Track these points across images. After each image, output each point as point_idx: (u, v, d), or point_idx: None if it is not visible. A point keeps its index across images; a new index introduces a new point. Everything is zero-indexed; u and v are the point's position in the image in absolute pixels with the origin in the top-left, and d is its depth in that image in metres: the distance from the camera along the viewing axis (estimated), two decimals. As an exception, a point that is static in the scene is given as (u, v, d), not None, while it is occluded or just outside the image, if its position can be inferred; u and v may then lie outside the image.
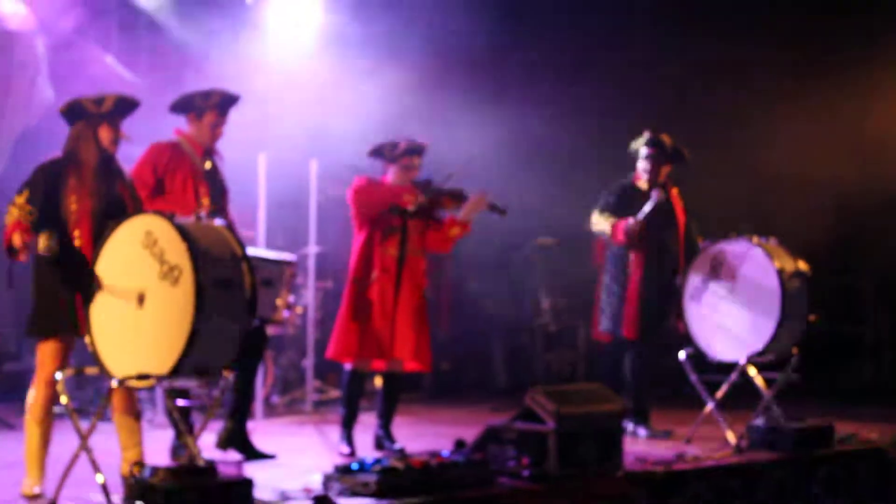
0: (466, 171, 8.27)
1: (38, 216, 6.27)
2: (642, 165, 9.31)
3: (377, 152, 8.29)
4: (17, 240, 6.18)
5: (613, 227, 9.10)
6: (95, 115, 6.48)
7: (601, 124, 13.07)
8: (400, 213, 8.02)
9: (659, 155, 9.28)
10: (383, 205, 8.03)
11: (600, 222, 9.20)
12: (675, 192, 9.47)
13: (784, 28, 12.86)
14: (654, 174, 9.28)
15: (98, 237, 6.21)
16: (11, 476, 6.65)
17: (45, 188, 6.34)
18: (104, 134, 6.48)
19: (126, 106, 6.56)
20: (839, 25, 12.68)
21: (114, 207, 6.42)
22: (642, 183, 9.32)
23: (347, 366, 8.15)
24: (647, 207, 9.02)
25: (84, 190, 6.40)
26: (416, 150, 8.24)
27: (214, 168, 7.67)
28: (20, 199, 6.31)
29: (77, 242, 6.34)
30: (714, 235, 8.99)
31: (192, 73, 10.96)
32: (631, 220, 9.03)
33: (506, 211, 8.29)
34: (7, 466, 7.13)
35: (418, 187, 8.16)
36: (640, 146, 9.31)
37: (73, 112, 6.53)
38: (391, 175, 8.22)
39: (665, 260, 9.29)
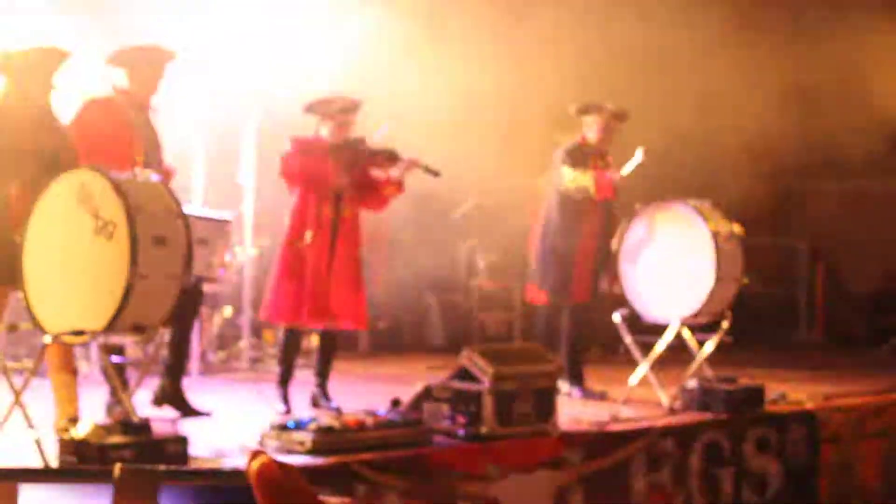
0: (396, 127, 8.25)
1: None
2: (590, 130, 9.33)
3: (312, 109, 8.24)
4: None
5: (597, 181, 9.10)
6: (22, 66, 6.39)
7: (540, 79, 13.05)
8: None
9: (609, 122, 9.32)
10: (315, 184, 8.01)
11: (578, 177, 9.18)
12: (610, 157, 9.52)
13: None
14: (600, 140, 9.34)
15: (32, 191, 6.15)
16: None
17: None
18: (32, 86, 6.39)
19: (56, 57, 6.45)
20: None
21: (47, 161, 6.35)
22: (587, 145, 9.36)
23: (283, 324, 8.14)
24: (631, 165, 9.01)
25: (16, 143, 6.32)
26: (350, 108, 8.20)
27: (149, 123, 7.60)
28: None
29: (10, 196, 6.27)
30: (649, 198, 9.03)
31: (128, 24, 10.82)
32: (616, 175, 9.06)
33: (439, 172, 8.29)
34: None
35: (352, 146, 8.13)
36: (590, 113, 9.33)
37: (3, 65, 6.45)
38: (326, 131, 8.17)
39: (608, 224, 9.33)
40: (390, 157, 8.21)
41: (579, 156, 9.28)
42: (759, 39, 12.50)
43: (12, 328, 6.43)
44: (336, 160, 8.06)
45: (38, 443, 5.95)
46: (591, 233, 9.27)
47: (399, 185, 8.26)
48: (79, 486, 1.45)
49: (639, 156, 8.97)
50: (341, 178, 8.05)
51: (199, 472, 1.39)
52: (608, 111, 9.34)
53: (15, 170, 6.30)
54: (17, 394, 6.07)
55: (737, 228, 8.85)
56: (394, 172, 8.24)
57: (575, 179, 9.17)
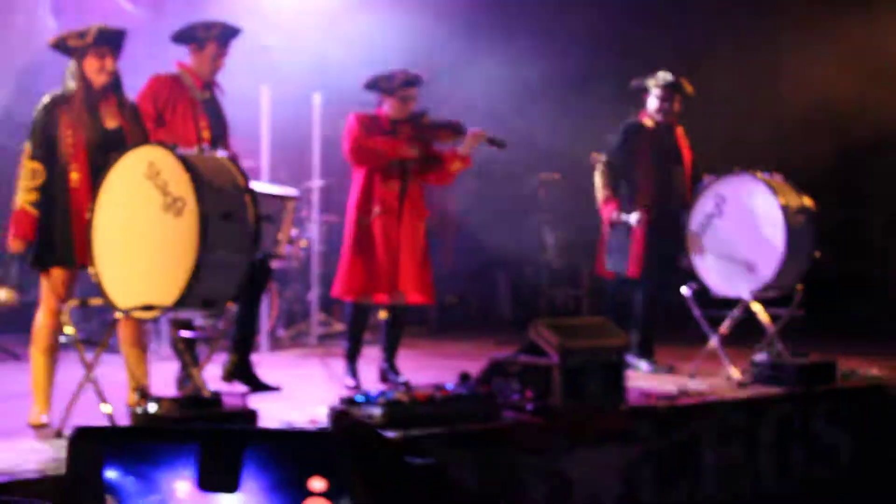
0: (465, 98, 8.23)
1: (38, 158, 6.29)
2: (654, 104, 9.26)
3: (373, 85, 8.23)
4: (14, 247, 6.33)
5: (604, 204, 9.12)
6: (79, 48, 6.43)
7: (606, 55, 12.98)
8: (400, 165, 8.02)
9: (673, 95, 9.23)
10: (383, 160, 8.00)
11: (599, 188, 9.20)
12: (680, 129, 9.44)
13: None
14: (668, 113, 9.25)
15: (96, 169, 6.20)
16: (18, 406, 6.68)
17: (44, 128, 6.35)
18: (89, 65, 6.43)
19: (111, 36, 6.47)
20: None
21: (112, 139, 6.39)
22: (648, 121, 9.28)
23: (351, 299, 8.16)
24: (633, 221, 9.00)
25: (77, 123, 6.37)
26: (411, 82, 8.17)
27: (214, 100, 7.63)
28: (25, 158, 6.35)
29: (74, 175, 6.32)
30: (718, 172, 8.95)
31: (194, 5, 10.88)
32: (613, 213, 9.04)
33: (505, 143, 8.25)
34: (14, 396, 7.16)
35: (414, 120, 8.12)
36: (656, 85, 9.24)
37: (60, 47, 6.50)
38: (387, 107, 8.16)
39: (672, 197, 9.26)
40: (455, 130, 8.19)
41: (631, 137, 9.22)
42: (826, 9, 12.34)
43: (84, 303, 6.48)
44: (400, 135, 8.06)
45: (110, 417, 6.01)
46: (646, 209, 9.19)
47: (465, 159, 8.23)
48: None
49: (634, 218, 8.95)
50: (409, 152, 8.05)
51: (286, 433, 1.39)
52: (665, 83, 9.22)
53: (76, 149, 6.33)
54: (89, 368, 6.14)
55: (808, 202, 8.75)
56: (459, 146, 8.22)
57: (597, 188, 9.20)
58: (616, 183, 9.17)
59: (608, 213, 9.15)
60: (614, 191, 9.16)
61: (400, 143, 8.04)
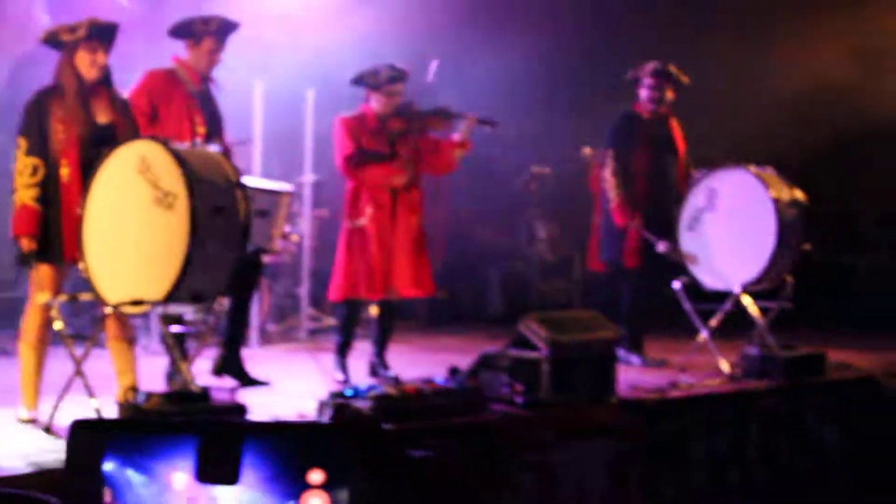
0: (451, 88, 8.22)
1: (35, 153, 6.28)
2: (646, 94, 9.27)
3: (359, 81, 8.24)
4: (25, 245, 6.28)
5: (617, 205, 9.09)
6: (71, 42, 6.42)
7: (595, 48, 12.98)
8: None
9: (663, 83, 9.23)
10: (373, 183, 8.04)
11: (611, 189, 9.15)
12: (674, 121, 9.45)
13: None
14: (657, 103, 9.26)
15: (87, 164, 6.20)
16: (6, 401, 6.68)
17: (38, 121, 6.33)
18: (81, 60, 6.40)
19: (102, 29, 6.44)
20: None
21: (104, 134, 6.38)
22: (643, 112, 9.30)
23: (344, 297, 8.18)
24: (660, 249, 8.97)
25: (68, 118, 6.35)
26: (397, 78, 8.19)
27: (209, 95, 7.64)
28: (21, 154, 6.32)
29: (65, 170, 6.31)
30: (709, 164, 8.96)
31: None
32: (627, 221, 9.04)
33: (497, 122, 8.27)
34: (2, 392, 7.16)
35: (402, 113, 8.13)
36: (645, 75, 9.25)
37: (51, 41, 6.49)
38: (374, 102, 8.16)
39: (666, 188, 9.27)
40: (445, 116, 8.20)
41: (628, 127, 9.22)
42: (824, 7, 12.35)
43: (73, 298, 6.48)
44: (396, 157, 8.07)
45: (98, 412, 6.01)
46: (643, 201, 9.20)
47: (464, 144, 8.24)
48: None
49: (662, 248, 8.95)
50: (401, 179, 8.07)
51: (285, 425, 1.41)
52: (655, 71, 9.22)
53: (67, 144, 6.32)
54: (78, 363, 6.14)
55: (798, 194, 8.76)
56: (451, 132, 8.24)
57: (609, 188, 9.15)
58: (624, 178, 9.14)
59: (623, 219, 9.09)
60: (627, 193, 9.11)
61: (391, 170, 8.04)
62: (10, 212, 6.36)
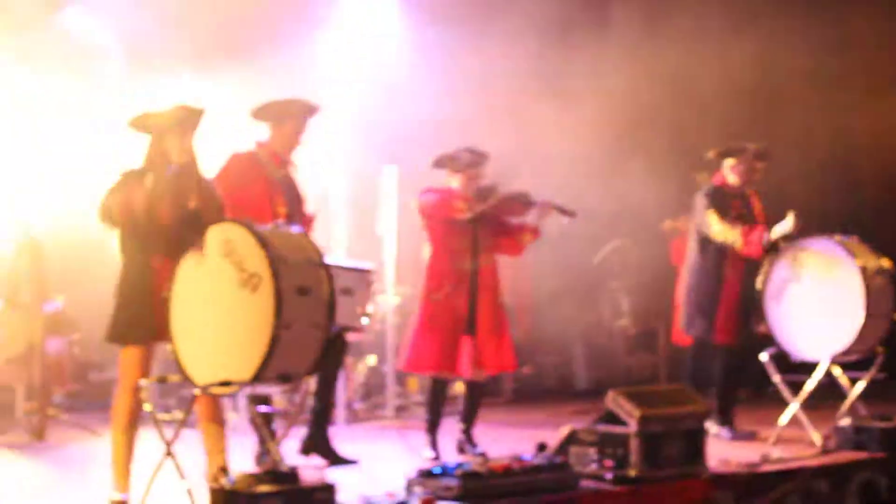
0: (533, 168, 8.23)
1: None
2: (741, 169, 9.22)
3: (440, 164, 8.31)
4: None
5: (745, 238, 8.98)
6: (160, 127, 6.49)
7: (673, 120, 12.97)
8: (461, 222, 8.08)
9: (753, 161, 9.23)
10: (446, 213, 8.07)
11: (726, 231, 9.07)
12: (754, 193, 9.40)
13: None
14: (752, 179, 9.24)
15: (175, 247, 6.25)
16: (98, 484, 6.72)
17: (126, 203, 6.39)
18: (170, 144, 6.49)
19: (191, 115, 6.54)
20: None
21: (191, 217, 6.43)
22: (727, 186, 9.25)
23: (431, 373, 8.19)
24: (781, 228, 8.86)
25: (157, 200, 6.41)
26: (478, 162, 8.25)
27: (290, 177, 7.71)
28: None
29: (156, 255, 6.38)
30: (794, 236, 8.87)
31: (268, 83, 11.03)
32: (764, 235, 8.92)
33: (575, 213, 8.30)
34: (94, 474, 7.21)
35: (483, 195, 8.17)
36: (748, 156, 9.21)
37: (140, 126, 6.56)
38: (456, 184, 8.24)
39: (752, 262, 9.19)
40: (524, 202, 8.24)
41: (721, 199, 9.17)
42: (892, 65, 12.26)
43: (162, 380, 6.53)
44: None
45: (189, 493, 6.03)
46: (736, 273, 9.14)
47: (535, 231, 8.28)
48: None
49: (789, 221, 8.77)
50: (474, 208, 8.10)
51: None
52: (750, 152, 9.23)
53: (158, 235, 6.37)
54: (168, 444, 6.17)
55: (886, 263, 8.66)
56: (529, 217, 8.26)
57: (723, 233, 9.04)
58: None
59: (758, 238, 8.97)
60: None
61: (463, 202, 8.10)
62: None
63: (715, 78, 12.64)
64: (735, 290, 9.12)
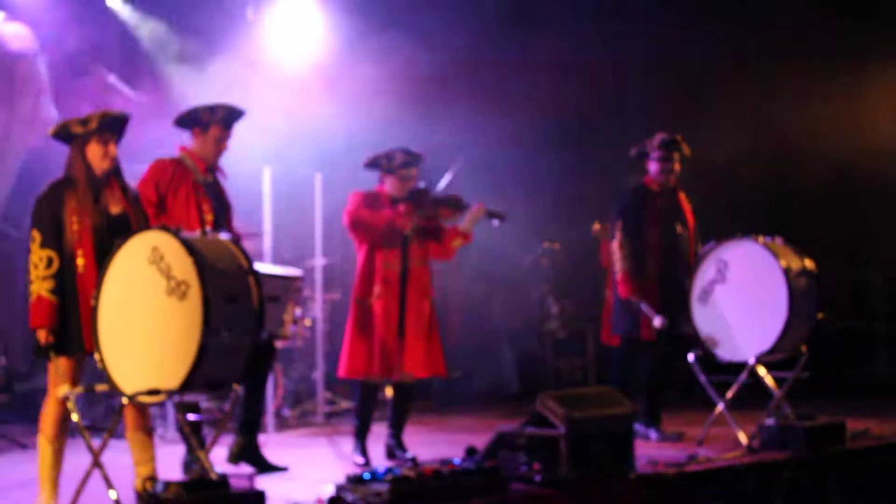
0: (463, 172, 8.28)
1: (50, 246, 6.31)
2: (656, 167, 9.29)
3: (374, 164, 8.31)
4: (43, 338, 6.29)
5: (623, 278, 9.12)
6: (82, 135, 6.48)
7: (601, 124, 13.07)
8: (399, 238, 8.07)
9: (672, 154, 9.27)
10: (380, 232, 8.05)
11: (617, 262, 9.19)
12: (682, 194, 9.48)
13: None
14: (667, 175, 9.29)
15: (101, 255, 6.23)
16: (26, 495, 6.67)
17: (51, 214, 6.37)
18: (93, 152, 6.46)
19: (113, 121, 6.53)
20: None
21: (116, 224, 6.42)
22: (654, 185, 9.32)
23: (359, 379, 8.18)
24: (656, 324, 9.00)
25: (82, 209, 6.39)
26: (411, 163, 8.25)
27: (217, 183, 7.67)
28: (35, 247, 6.35)
29: (80, 261, 6.35)
30: (719, 235, 8.97)
31: (193, 89, 10.99)
32: (637, 297, 9.06)
33: (505, 216, 8.32)
34: (21, 485, 7.15)
35: (414, 197, 8.17)
36: (654, 148, 9.28)
37: (62, 135, 6.55)
38: (388, 185, 8.23)
39: (677, 262, 9.27)
40: (456, 206, 8.25)
41: (638, 200, 9.24)
42: (830, 67, 12.43)
43: (90, 389, 6.48)
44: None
45: (117, 503, 5.99)
46: (655, 268, 9.21)
47: (466, 235, 8.30)
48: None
49: (659, 323, 8.97)
50: (408, 222, 8.09)
51: None
52: (663, 143, 9.25)
53: (82, 234, 6.36)
54: (96, 454, 6.13)
55: (809, 264, 8.76)
56: (459, 221, 8.28)
57: (617, 258, 9.18)
58: (631, 251, 9.15)
59: (626, 291, 9.10)
60: (633, 266, 9.13)
61: (398, 214, 8.07)
62: (27, 305, 6.38)
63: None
64: (655, 289, 9.17)
